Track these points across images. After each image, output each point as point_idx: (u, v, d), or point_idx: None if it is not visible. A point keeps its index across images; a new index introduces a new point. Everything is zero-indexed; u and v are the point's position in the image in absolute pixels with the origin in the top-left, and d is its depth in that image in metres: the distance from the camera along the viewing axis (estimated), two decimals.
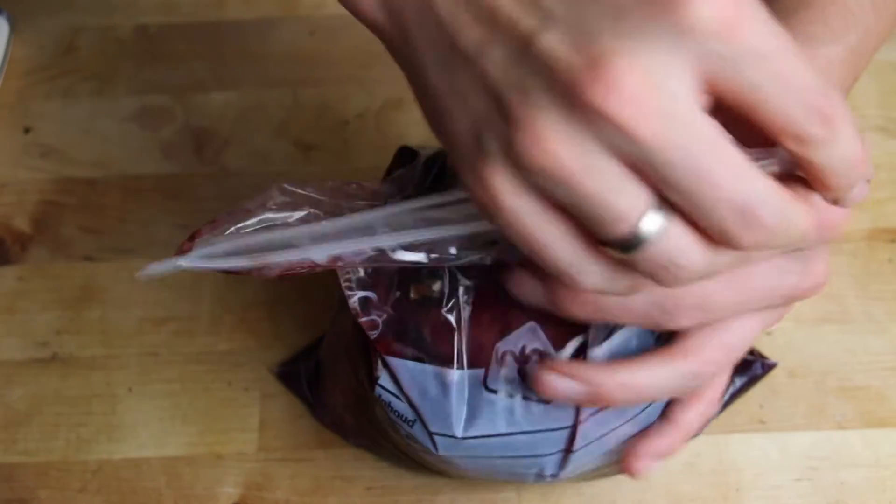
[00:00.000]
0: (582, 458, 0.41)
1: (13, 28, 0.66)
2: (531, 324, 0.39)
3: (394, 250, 0.35)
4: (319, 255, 0.35)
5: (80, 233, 0.58)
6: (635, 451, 0.39)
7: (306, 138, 0.61)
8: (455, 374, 0.39)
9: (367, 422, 0.46)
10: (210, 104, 0.63)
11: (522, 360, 0.39)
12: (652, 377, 0.35)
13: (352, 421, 0.49)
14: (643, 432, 0.40)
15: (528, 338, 0.39)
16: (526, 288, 0.35)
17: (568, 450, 0.40)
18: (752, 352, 0.51)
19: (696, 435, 0.40)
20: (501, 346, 0.39)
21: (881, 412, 0.50)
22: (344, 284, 0.39)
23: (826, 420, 0.50)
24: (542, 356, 0.39)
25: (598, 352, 0.38)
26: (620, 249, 0.27)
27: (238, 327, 0.54)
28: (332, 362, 0.49)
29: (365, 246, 0.35)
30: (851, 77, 0.44)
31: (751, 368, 0.51)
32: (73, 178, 0.60)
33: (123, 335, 0.54)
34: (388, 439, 0.45)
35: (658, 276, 0.28)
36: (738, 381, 0.50)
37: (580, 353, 0.39)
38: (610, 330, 0.39)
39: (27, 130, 0.62)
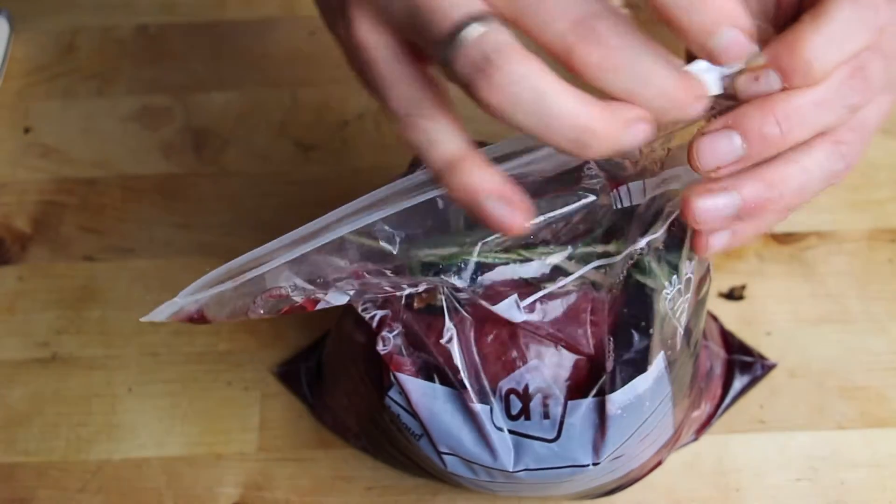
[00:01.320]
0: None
1: (13, 28, 0.66)
2: (534, 362, 0.39)
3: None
4: (292, 255, 0.35)
5: (80, 233, 0.58)
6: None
7: (306, 138, 0.61)
8: (478, 407, 0.39)
9: (373, 426, 0.46)
10: (210, 104, 0.63)
11: (525, 398, 0.39)
12: (811, 165, 0.32)
13: (354, 422, 0.49)
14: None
15: (532, 375, 0.39)
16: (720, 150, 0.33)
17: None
18: (751, 352, 0.51)
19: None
20: (505, 384, 0.39)
21: (881, 412, 0.50)
22: (361, 307, 0.39)
23: (826, 420, 0.50)
24: (546, 396, 0.39)
25: (618, 396, 0.38)
26: (444, 52, 0.28)
27: (238, 327, 0.54)
28: (337, 366, 0.48)
29: (331, 236, 0.35)
30: None
31: (751, 369, 0.51)
32: (73, 178, 0.60)
33: (123, 335, 0.54)
34: (394, 444, 0.45)
35: (475, 79, 0.28)
36: (738, 383, 0.50)
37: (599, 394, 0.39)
38: (619, 374, 0.39)
39: (27, 130, 0.62)
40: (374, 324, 0.39)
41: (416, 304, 0.40)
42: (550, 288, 0.38)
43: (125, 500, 0.49)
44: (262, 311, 0.36)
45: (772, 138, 0.32)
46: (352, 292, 0.37)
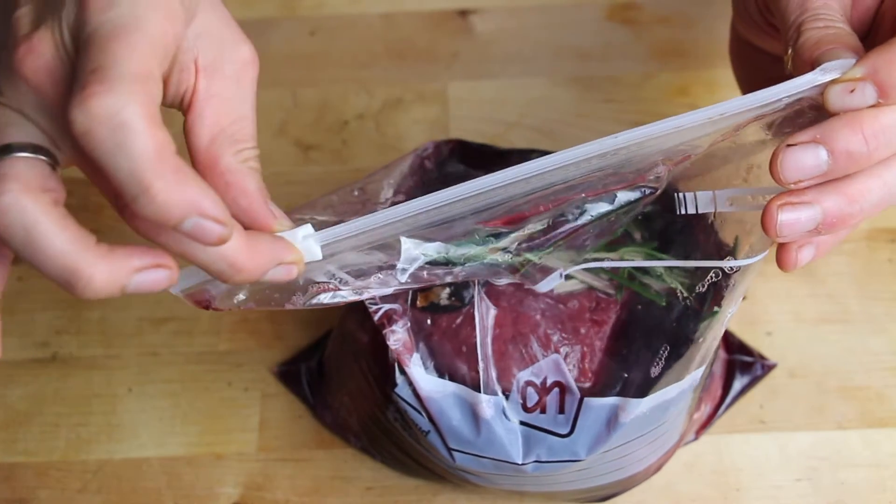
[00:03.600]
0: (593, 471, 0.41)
1: None
2: (555, 356, 0.39)
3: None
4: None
5: None
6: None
7: (306, 138, 0.61)
8: (490, 400, 0.39)
9: (374, 425, 0.46)
10: None
11: (543, 391, 0.39)
12: (884, 181, 0.33)
13: (356, 422, 0.48)
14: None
15: (551, 369, 0.39)
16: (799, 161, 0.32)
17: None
18: (751, 352, 0.51)
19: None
20: (523, 376, 0.39)
21: (881, 412, 0.50)
22: (368, 300, 0.39)
23: (826, 420, 0.50)
24: (564, 391, 0.39)
25: (648, 401, 0.38)
26: None
27: (238, 327, 0.54)
28: (339, 365, 0.48)
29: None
30: None
31: (751, 369, 0.51)
32: (73, 178, 0.60)
33: (123, 335, 0.54)
34: (397, 443, 0.45)
35: None
36: (739, 383, 0.50)
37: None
38: (648, 382, 0.39)
39: None
40: (377, 317, 0.39)
41: (419, 303, 0.40)
42: (589, 265, 0.38)
43: (125, 500, 0.49)
44: (301, 304, 0.36)
45: (858, 156, 0.32)
46: (395, 284, 0.36)
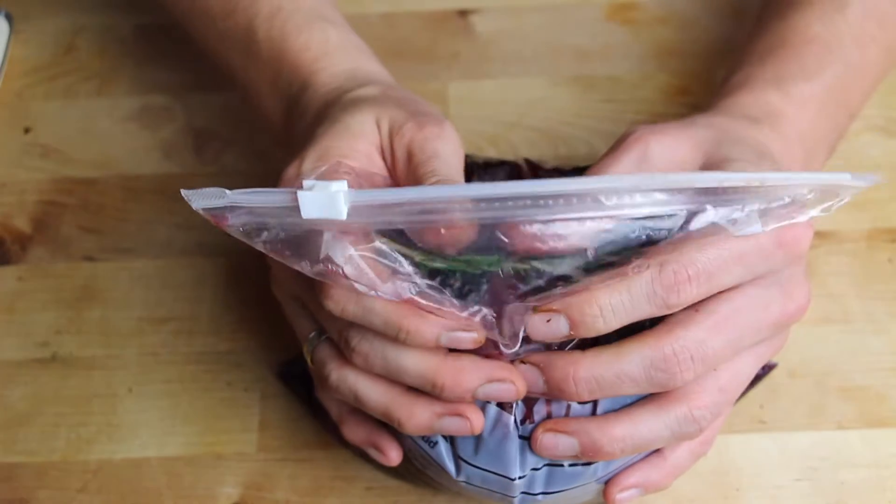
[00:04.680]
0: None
1: (13, 28, 0.66)
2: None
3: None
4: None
5: (80, 233, 0.58)
6: (619, 481, 0.39)
7: None
8: (510, 418, 0.38)
9: None
10: (210, 104, 0.63)
11: (531, 401, 0.39)
12: (648, 428, 0.36)
13: None
14: (633, 464, 0.40)
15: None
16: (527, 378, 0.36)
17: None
18: None
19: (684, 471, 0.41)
20: None
21: (881, 412, 0.50)
22: None
23: (826, 420, 0.50)
24: (550, 400, 0.39)
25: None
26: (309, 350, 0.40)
27: (238, 327, 0.54)
28: None
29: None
30: (838, 112, 0.44)
31: None
32: (73, 178, 0.60)
33: (123, 335, 0.54)
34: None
35: (320, 375, 0.39)
36: None
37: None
38: None
39: (27, 130, 0.62)
40: None
41: None
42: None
43: (125, 501, 0.49)
44: (308, 271, 0.34)
45: (604, 455, 0.36)
46: (409, 294, 0.35)
